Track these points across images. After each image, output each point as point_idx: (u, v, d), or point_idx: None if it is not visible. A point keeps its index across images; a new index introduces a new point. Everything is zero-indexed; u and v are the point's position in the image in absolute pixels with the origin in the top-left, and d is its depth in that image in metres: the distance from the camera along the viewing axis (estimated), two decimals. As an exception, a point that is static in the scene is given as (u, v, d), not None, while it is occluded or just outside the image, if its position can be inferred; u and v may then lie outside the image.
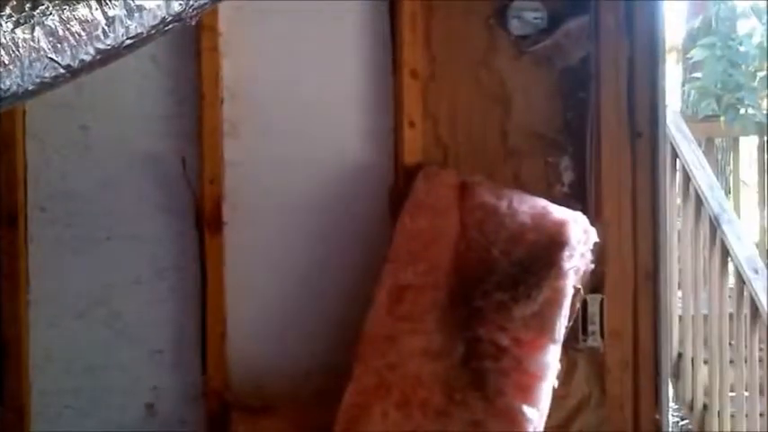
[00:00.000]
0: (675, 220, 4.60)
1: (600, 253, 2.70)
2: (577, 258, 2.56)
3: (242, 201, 2.75)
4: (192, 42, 2.70)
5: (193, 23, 2.04)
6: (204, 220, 2.72)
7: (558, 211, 2.61)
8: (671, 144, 4.57)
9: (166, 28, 1.98)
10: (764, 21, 5.89)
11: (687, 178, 4.33)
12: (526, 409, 2.44)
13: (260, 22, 2.75)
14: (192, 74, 2.72)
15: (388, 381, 2.53)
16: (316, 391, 2.72)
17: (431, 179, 2.68)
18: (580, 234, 2.58)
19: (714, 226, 4.08)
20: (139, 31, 1.93)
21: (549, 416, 2.57)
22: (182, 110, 2.75)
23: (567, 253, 2.53)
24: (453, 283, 2.58)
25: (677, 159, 4.42)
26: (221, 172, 2.73)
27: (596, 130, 2.80)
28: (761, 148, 5.44)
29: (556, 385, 2.54)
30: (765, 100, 5.71)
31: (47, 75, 1.85)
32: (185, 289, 2.76)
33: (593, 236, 2.62)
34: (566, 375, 2.73)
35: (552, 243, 2.55)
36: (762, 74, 5.76)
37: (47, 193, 2.75)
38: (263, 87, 2.76)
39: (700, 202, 4.22)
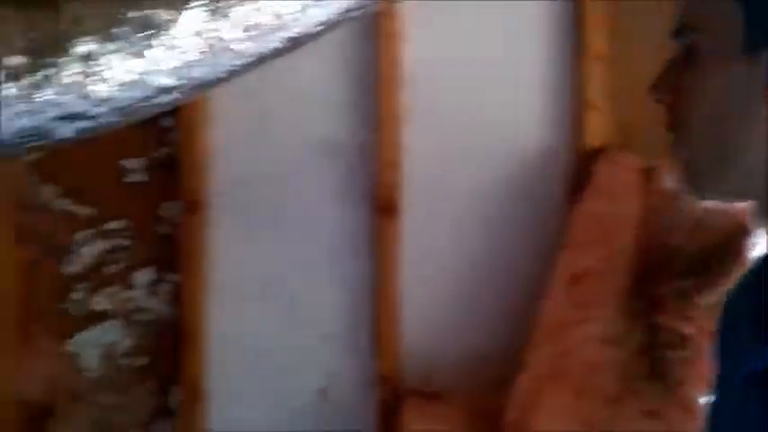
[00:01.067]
0: None
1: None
2: (762, 245, 2.41)
3: (418, 187, 2.73)
4: (372, 27, 2.71)
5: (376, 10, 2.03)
6: (380, 206, 2.71)
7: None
8: None
9: (353, 15, 1.99)
10: None
11: None
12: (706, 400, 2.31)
13: (439, 7, 2.73)
14: (371, 59, 2.73)
15: (562, 368, 2.46)
16: (488, 378, 2.66)
17: (612, 163, 2.60)
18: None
19: None
20: (327, 18, 1.94)
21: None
22: (361, 95, 2.75)
23: (753, 240, 2.39)
24: (633, 269, 2.49)
25: None
26: (399, 158, 2.72)
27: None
28: None
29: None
30: None
31: (236, 63, 1.88)
32: (360, 274, 2.75)
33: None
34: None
35: (738, 230, 2.42)
36: None
37: (227, 179, 2.79)
38: (441, 72, 2.74)
39: None
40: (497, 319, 2.71)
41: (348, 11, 1.98)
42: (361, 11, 2.01)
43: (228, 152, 2.79)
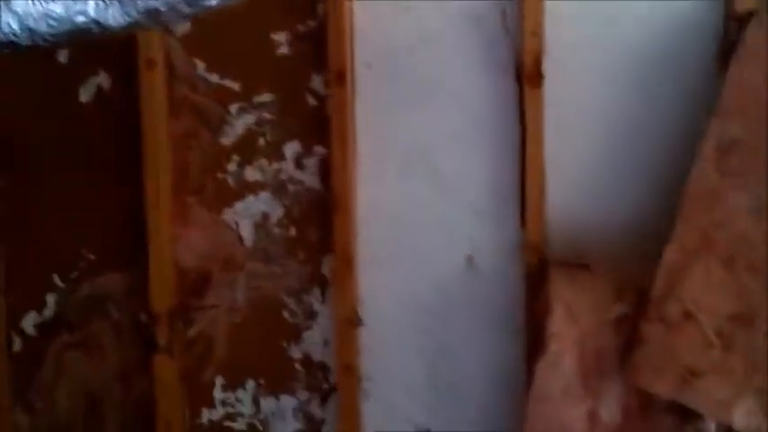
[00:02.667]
0: None
1: None
2: None
3: (564, 54, 2.69)
4: None
5: None
6: (524, 74, 2.69)
7: None
8: None
9: None
10: None
11: None
12: None
13: None
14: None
15: (713, 239, 2.43)
16: (635, 249, 2.66)
17: (765, 26, 2.50)
18: None
19: None
20: None
21: None
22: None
23: None
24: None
25: None
26: (542, 25, 2.67)
27: None
28: None
29: None
30: None
31: None
32: (505, 143, 2.75)
33: None
34: None
35: None
36: None
37: (372, 50, 2.80)
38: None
39: None
40: (645, 190, 2.68)
41: None
42: None
43: (374, 24, 2.79)
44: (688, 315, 2.42)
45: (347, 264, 2.84)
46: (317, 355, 2.92)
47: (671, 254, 2.46)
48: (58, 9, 1.71)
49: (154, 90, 2.82)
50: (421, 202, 2.82)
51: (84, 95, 2.89)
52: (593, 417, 2.53)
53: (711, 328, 2.40)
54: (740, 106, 2.48)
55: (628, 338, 2.50)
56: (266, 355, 2.94)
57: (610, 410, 2.53)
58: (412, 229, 2.84)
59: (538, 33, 2.67)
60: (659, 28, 2.67)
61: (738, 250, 2.41)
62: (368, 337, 2.87)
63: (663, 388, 2.45)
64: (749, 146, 2.45)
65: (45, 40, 1.74)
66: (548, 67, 2.69)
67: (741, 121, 2.47)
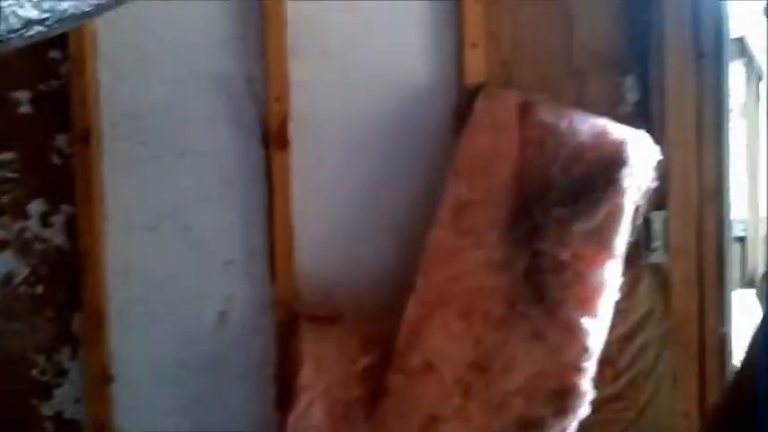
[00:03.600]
0: (760, 140, 4.61)
1: (664, 171, 2.72)
2: (638, 176, 2.59)
3: (307, 120, 2.81)
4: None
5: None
6: (270, 138, 2.79)
7: (618, 131, 2.63)
8: (755, 67, 4.58)
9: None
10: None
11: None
12: (585, 321, 2.50)
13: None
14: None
15: (450, 293, 2.59)
16: (381, 302, 2.79)
17: (492, 98, 2.70)
18: (640, 152, 2.61)
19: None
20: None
21: (614, 328, 2.65)
22: (248, 31, 2.79)
23: (626, 171, 2.56)
24: (514, 199, 2.61)
25: (760, 83, 4.43)
26: (287, 90, 2.78)
27: (660, 50, 2.81)
28: None
29: (619, 299, 2.60)
30: None
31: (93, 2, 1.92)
32: (254, 202, 2.83)
33: (655, 154, 2.65)
34: (629, 289, 2.77)
35: (611, 161, 2.57)
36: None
37: (119, 111, 2.84)
38: (326, 8, 2.80)
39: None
40: (391, 245, 2.82)
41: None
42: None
43: (120, 85, 2.83)
44: (429, 365, 2.57)
45: (97, 321, 2.85)
46: (68, 413, 2.91)
47: (412, 307, 2.61)
48: None
49: None
50: (172, 259, 2.87)
51: None
52: (343, 465, 2.65)
53: (451, 377, 2.56)
54: (471, 170, 2.67)
55: (374, 389, 2.62)
56: (16, 413, 2.90)
57: (360, 458, 2.65)
58: (164, 286, 2.87)
59: (282, 99, 2.78)
60: (400, 95, 2.83)
61: (474, 302, 2.58)
62: (121, 393, 2.88)
63: (408, 435, 2.60)
64: (480, 206, 2.64)
65: None
66: (295, 129, 2.80)
67: (472, 183, 2.65)
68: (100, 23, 2.76)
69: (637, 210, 2.61)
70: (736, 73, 5.54)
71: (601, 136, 2.62)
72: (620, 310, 2.66)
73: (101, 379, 2.86)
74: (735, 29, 4.61)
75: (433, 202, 2.68)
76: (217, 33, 2.82)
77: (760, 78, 4.50)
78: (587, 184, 2.57)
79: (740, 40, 4.66)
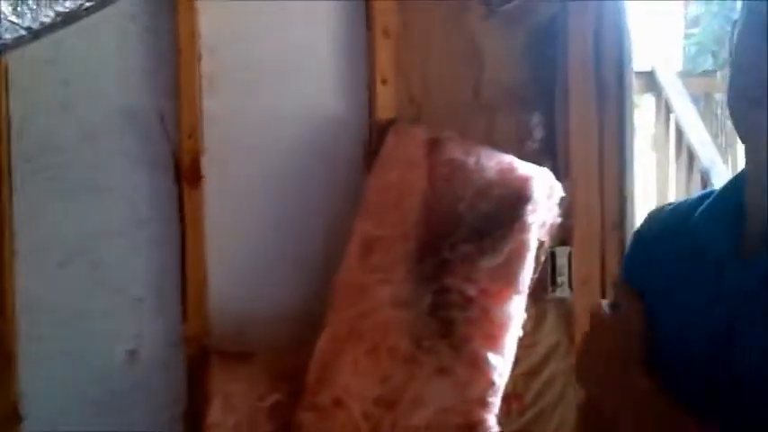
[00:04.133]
0: (670, 173, 4.72)
1: (568, 207, 2.78)
2: (542, 212, 2.64)
3: (220, 154, 2.83)
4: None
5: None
6: (183, 174, 2.80)
7: (524, 167, 2.69)
8: (665, 100, 4.69)
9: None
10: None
11: (680, 134, 4.46)
12: (491, 356, 2.54)
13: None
14: (169, 30, 2.78)
15: (360, 329, 2.62)
16: (293, 338, 2.81)
17: (401, 135, 2.74)
18: (545, 189, 2.66)
19: (705, 180, 4.22)
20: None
21: (519, 363, 2.69)
22: (160, 65, 2.81)
23: (530, 207, 2.61)
24: (422, 235, 2.65)
25: (671, 115, 4.54)
26: (199, 126, 2.80)
27: (564, 87, 2.87)
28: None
29: (524, 334, 2.64)
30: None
31: (8, 36, 1.94)
32: (165, 239, 2.83)
33: (559, 191, 2.71)
34: (535, 325, 2.83)
35: (517, 198, 2.63)
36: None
37: (31, 145, 2.82)
38: (239, 43, 2.83)
39: (692, 156, 4.36)
40: (303, 281, 2.85)
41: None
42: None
43: (32, 119, 2.82)
44: (338, 402, 2.58)
45: (6, 359, 2.82)
46: (-22, 452, 2.88)
47: (323, 343, 2.63)
48: None
49: None
50: (83, 296, 2.86)
51: None
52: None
53: (359, 413, 2.58)
54: (379, 206, 2.71)
55: (282, 426, 2.64)
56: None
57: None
58: (74, 323, 2.85)
59: (194, 135, 2.79)
60: (314, 130, 2.87)
61: (381, 338, 2.61)
62: (31, 432, 2.86)
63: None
64: (388, 242, 2.67)
65: None
66: (207, 165, 2.81)
67: (381, 219, 2.69)
68: (12, 57, 2.75)
69: (541, 245, 2.67)
70: (645, 106, 5.69)
71: (507, 173, 2.68)
72: (526, 345, 2.71)
73: (10, 419, 2.83)
74: (644, 62, 4.75)
75: (344, 238, 2.71)
76: (130, 68, 2.83)
77: (670, 111, 4.61)
78: (493, 221, 2.62)
79: (650, 74, 4.76)
